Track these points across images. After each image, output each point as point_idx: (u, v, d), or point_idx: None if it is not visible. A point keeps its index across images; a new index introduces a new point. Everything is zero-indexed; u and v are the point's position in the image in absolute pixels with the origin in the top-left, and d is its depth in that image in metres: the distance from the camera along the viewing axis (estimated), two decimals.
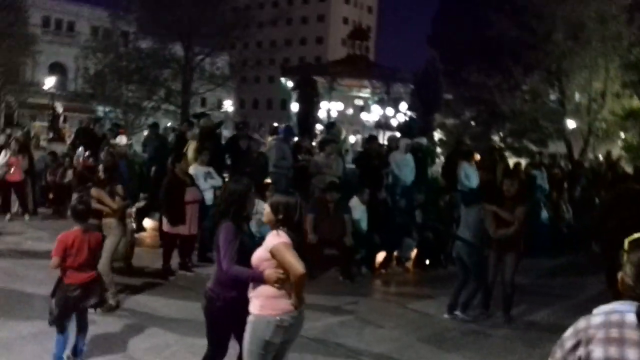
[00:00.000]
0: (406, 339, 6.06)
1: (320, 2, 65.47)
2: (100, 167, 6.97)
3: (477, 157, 12.25)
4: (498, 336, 6.27)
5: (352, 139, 32.26)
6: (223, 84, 24.00)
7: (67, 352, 4.84)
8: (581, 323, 2.01)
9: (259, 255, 3.65)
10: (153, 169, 10.56)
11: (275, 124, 14.04)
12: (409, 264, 9.36)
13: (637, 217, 5.71)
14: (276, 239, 3.62)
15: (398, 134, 14.54)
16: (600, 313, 1.99)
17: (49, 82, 30.92)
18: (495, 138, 23.78)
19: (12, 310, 5.95)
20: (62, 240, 4.73)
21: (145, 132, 14.83)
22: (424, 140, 11.59)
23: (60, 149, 14.94)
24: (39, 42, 30.48)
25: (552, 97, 20.35)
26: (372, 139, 10.99)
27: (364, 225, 8.74)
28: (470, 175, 10.80)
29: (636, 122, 18.52)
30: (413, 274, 9.22)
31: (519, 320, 6.84)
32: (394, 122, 27.76)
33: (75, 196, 5.26)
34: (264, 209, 8.72)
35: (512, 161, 16.44)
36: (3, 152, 11.01)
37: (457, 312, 6.60)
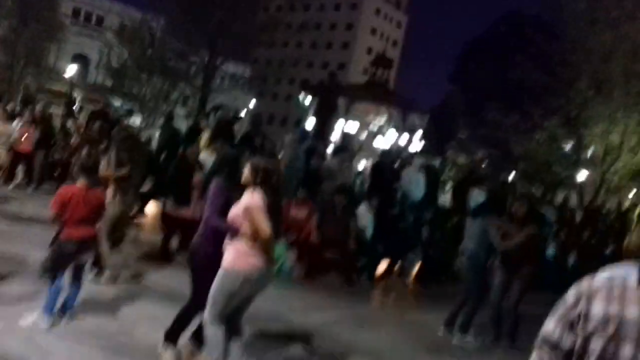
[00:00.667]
0: (402, 345, 5.89)
1: (347, 30, 66.19)
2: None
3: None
4: (495, 350, 6.05)
5: (362, 163, 32.22)
6: (241, 86, 23.99)
7: (58, 306, 4.71)
8: (584, 282, 1.94)
9: (235, 212, 3.89)
10: (163, 156, 10.49)
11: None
12: (410, 279, 9.19)
13: None
14: (251, 198, 3.82)
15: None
16: (603, 273, 1.91)
17: (71, 70, 31.16)
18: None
19: (10, 271, 5.81)
20: (61, 194, 4.66)
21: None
22: (436, 162, 11.49)
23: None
24: (65, 31, 30.86)
25: (567, 145, 20.26)
26: (387, 153, 10.92)
27: (369, 233, 8.61)
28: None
29: None
30: (413, 288, 9.05)
31: (523, 344, 6.63)
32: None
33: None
34: None
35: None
36: (16, 121, 10.99)
37: (455, 337, 6.19)
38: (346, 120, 27.05)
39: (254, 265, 3.84)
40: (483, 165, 30.00)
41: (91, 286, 5.72)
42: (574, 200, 19.38)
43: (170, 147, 10.31)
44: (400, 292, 8.72)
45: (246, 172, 3.93)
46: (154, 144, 13.74)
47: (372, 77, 30.24)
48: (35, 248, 5.81)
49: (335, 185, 8.74)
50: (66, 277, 4.74)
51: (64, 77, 31.46)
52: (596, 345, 1.82)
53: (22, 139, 10.70)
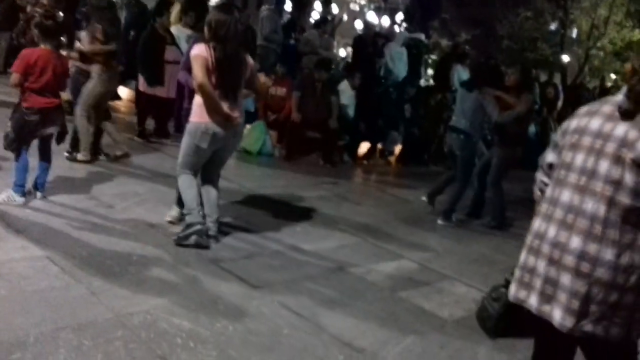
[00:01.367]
0: (384, 216, 5.90)
1: None
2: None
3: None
4: (474, 227, 6.10)
5: (342, 52, 31.29)
6: None
7: (29, 186, 4.54)
8: (584, 106, 2.12)
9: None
10: (131, 33, 9.86)
11: None
12: (392, 158, 9.14)
13: None
14: (196, 49, 3.93)
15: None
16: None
17: None
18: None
19: None
20: (25, 56, 4.30)
21: None
22: (422, 37, 11.07)
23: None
24: None
25: (553, 25, 19.71)
26: (369, 26, 10.43)
27: (351, 111, 8.40)
28: (463, 79, 10.44)
29: (634, 54, 18.10)
30: (395, 167, 9.03)
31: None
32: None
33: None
34: None
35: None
36: None
37: (439, 221, 5.91)
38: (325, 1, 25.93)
39: (209, 118, 3.98)
40: (466, 47, 29.46)
41: (65, 163, 5.58)
42: (557, 80, 19.21)
43: (138, 25, 9.67)
44: (382, 171, 8.68)
45: (205, 29, 4.04)
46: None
47: None
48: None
49: (316, 60, 8.35)
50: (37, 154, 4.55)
51: None
52: (563, 155, 2.03)
53: None
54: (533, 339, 2.25)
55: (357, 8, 34.00)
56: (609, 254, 1.85)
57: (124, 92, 9.73)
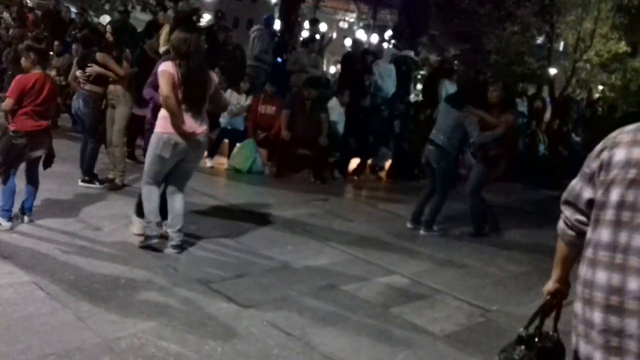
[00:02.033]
0: (375, 232, 5.88)
1: None
2: (109, 28, 6.49)
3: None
4: (465, 241, 6.12)
5: (332, 69, 31.48)
6: None
7: (16, 210, 4.51)
8: (610, 135, 1.83)
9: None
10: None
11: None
12: (382, 173, 9.15)
13: None
14: (162, 66, 4.15)
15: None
16: (631, 125, 1.80)
17: None
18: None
19: None
20: (21, 81, 4.30)
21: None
22: (411, 54, 11.15)
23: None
24: None
25: (540, 38, 19.93)
26: (358, 43, 10.50)
27: (340, 128, 8.43)
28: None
29: (621, 66, 18.32)
30: (385, 182, 9.03)
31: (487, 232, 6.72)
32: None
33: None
34: (237, 101, 8.44)
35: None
36: None
37: (422, 232, 6.03)
38: (314, 18, 26.16)
39: (170, 129, 4.15)
40: (455, 62, 29.85)
41: (53, 186, 5.54)
42: (545, 93, 19.39)
43: (128, 46, 9.72)
44: (372, 187, 8.68)
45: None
46: None
47: None
48: None
49: (305, 78, 8.39)
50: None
51: None
52: (613, 193, 1.74)
53: None
54: None
55: (346, 26, 34.38)
56: None
57: None
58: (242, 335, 3.24)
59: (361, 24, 28.87)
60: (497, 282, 4.91)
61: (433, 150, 5.98)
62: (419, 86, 16.87)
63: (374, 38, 27.79)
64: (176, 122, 4.13)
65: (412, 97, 12.33)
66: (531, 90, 16.62)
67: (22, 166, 4.54)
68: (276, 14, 25.83)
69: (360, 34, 28.52)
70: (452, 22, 26.72)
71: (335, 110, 8.28)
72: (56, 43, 10.81)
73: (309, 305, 3.79)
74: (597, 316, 1.73)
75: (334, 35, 35.66)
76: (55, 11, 12.14)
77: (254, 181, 7.52)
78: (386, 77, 9.93)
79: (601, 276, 1.73)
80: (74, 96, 6.17)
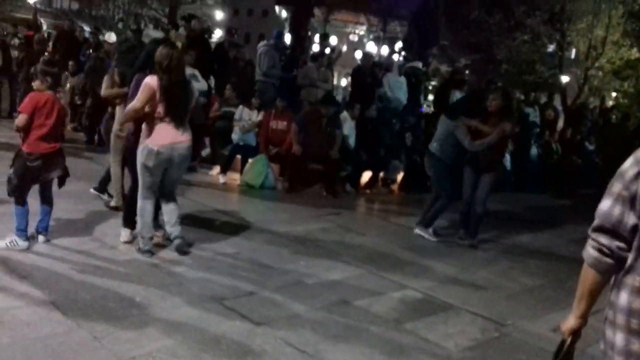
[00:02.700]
0: (387, 246, 5.88)
1: None
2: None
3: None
4: (481, 250, 6.13)
5: (343, 82, 31.65)
6: (214, 2, 22.75)
7: (32, 230, 4.58)
8: None
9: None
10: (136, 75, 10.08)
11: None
12: (395, 186, 9.14)
13: None
14: (147, 79, 4.39)
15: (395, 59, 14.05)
16: None
17: None
18: None
19: None
20: (34, 98, 4.36)
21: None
22: (419, 65, 11.18)
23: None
24: None
25: (551, 46, 19.91)
26: (368, 56, 10.55)
27: (352, 141, 8.46)
28: None
29: (634, 73, 18.20)
30: (397, 195, 9.02)
31: (503, 241, 6.70)
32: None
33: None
34: (248, 117, 8.55)
35: None
36: None
37: (416, 229, 6.28)
38: (324, 32, 26.33)
39: (154, 140, 4.43)
40: (466, 72, 29.93)
41: (68, 205, 5.61)
42: (557, 102, 19.31)
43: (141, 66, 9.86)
44: (384, 200, 8.68)
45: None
46: None
47: None
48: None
49: (318, 96, 8.46)
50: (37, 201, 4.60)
51: (28, 3, 29.89)
52: None
53: None
54: None
55: (356, 39, 34.56)
56: None
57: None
58: (256, 353, 3.26)
59: (371, 36, 29.02)
60: (511, 295, 4.89)
61: (427, 157, 6.45)
62: (430, 97, 16.89)
63: (384, 50, 27.97)
64: (125, 121, 4.80)
65: (425, 108, 12.34)
66: (543, 99, 16.60)
67: (36, 187, 4.61)
68: (286, 29, 26.10)
69: (371, 46, 28.69)
70: (462, 32, 26.78)
71: (347, 124, 8.31)
72: (71, 63, 11.01)
73: (321, 322, 3.80)
74: (636, 346, 1.68)
75: (345, 48, 35.91)
76: (69, 31, 12.36)
77: (266, 197, 7.56)
78: (396, 90, 9.96)
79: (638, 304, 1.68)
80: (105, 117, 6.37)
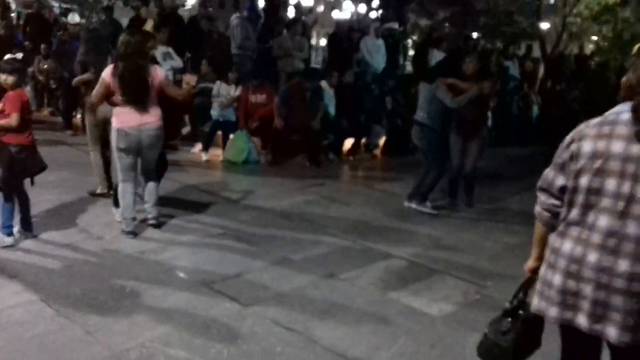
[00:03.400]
0: (372, 214, 5.98)
1: None
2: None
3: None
4: (463, 215, 6.23)
5: (322, 41, 31.24)
6: None
7: (17, 227, 4.61)
8: (579, 126, 2.09)
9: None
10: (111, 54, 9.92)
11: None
12: (377, 151, 9.21)
13: None
14: (103, 73, 4.73)
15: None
16: (598, 118, 2.06)
17: None
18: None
19: None
20: (20, 96, 4.39)
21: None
22: (395, 25, 11.11)
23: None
24: None
25: None
26: (341, 23, 10.45)
27: (332, 110, 8.47)
28: None
29: (612, 17, 18.15)
30: (381, 160, 9.11)
31: (485, 200, 6.80)
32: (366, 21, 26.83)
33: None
34: (226, 92, 8.52)
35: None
36: None
37: (412, 204, 6.14)
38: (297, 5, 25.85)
39: (122, 121, 4.72)
40: (446, 25, 29.60)
41: (54, 196, 5.63)
42: (537, 51, 19.26)
43: (114, 44, 9.70)
44: (368, 166, 8.76)
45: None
46: None
47: None
48: None
49: (295, 64, 8.41)
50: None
51: None
52: (584, 180, 2.02)
53: None
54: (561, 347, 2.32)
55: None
56: None
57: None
58: (246, 335, 3.37)
59: None
60: (492, 256, 5.03)
61: (415, 128, 6.16)
62: (411, 52, 16.77)
63: (362, 8, 27.51)
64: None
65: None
66: (523, 50, 16.55)
67: None
68: None
69: (348, 5, 28.22)
70: None
71: (326, 93, 8.31)
72: (43, 46, 10.80)
73: (309, 298, 3.91)
74: (557, 278, 2.09)
75: (322, 8, 35.32)
76: (38, 13, 12.05)
77: (249, 172, 7.61)
78: (375, 53, 9.94)
79: (567, 247, 2.07)
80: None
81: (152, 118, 4.79)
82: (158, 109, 4.86)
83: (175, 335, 3.32)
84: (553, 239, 2.15)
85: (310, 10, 13.92)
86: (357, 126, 8.79)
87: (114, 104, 4.79)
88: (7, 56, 5.40)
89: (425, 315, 3.80)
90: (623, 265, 1.95)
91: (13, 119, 4.30)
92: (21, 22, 12.64)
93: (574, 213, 2.07)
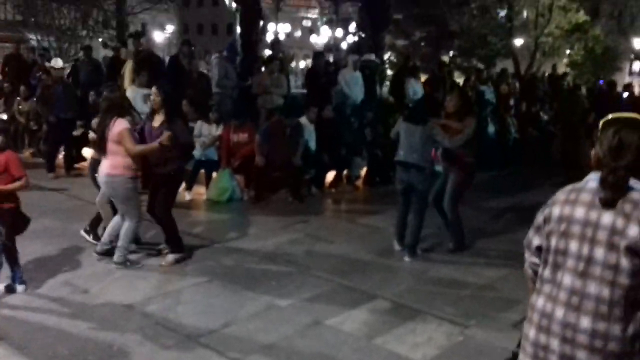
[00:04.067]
0: (356, 252, 6.06)
1: None
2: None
3: (425, 76, 12.19)
4: (445, 245, 6.30)
5: (302, 63, 31.63)
6: (159, 2, 22.32)
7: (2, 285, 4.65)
8: (555, 194, 2.27)
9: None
10: (91, 94, 9.96)
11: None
12: (359, 182, 9.33)
13: None
14: (121, 125, 5.20)
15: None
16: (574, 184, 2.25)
17: None
18: (445, 58, 23.69)
19: None
20: (18, 156, 4.58)
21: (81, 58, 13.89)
22: (372, 57, 11.33)
23: None
24: None
25: (501, 13, 20.23)
26: (319, 56, 10.63)
27: (312, 144, 8.58)
28: (417, 92, 10.75)
29: (582, 36, 18.67)
30: (363, 191, 9.22)
31: (465, 231, 6.84)
32: (343, 45, 27.26)
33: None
34: (208, 132, 8.61)
35: (462, 80, 16.44)
36: None
37: (406, 258, 5.85)
38: (277, 21, 26.20)
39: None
40: (422, 44, 29.82)
41: (37, 247, 5.63)
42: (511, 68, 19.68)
43: (93, 84, 9.75)
44: (350, 198, 8.86)
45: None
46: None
47: None
48: None
49: (274, 101, 8.55)
50: None
51: None
52: (553, 242, 2.20)
53: None
54: None
55: (309, 23, 34.44)
56: (617, 330, 2.07)
57: (88, 152, 9.80)
58: None
59: (324, 19, 28.91)
60: (474, 292, 5.13)
61: (413, 172, 5.79)
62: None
63: (339, 32, 27.96)
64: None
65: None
66: (499, 68, 16.84)
67: None
68: (237, 19, 25.74)
69: (325, 30, 28.70)
70: (415, 5, 26.94)
71: (306, 128, 8.42)
72: (22, 88, 10.84)
73: (296, 349, 3.97)
74: (531, 332, 2.23)
75: (299, 32, 35.76)
76: (17, 54, 12.12)
77: (233, 210, 7.67)
78: (353, 85, 10.11)
79: (540, 302, 2.22)
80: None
81: (105, 171, 5.30)
82: (117, 160, 5.21)
83: None
84: (532, 296, 2.30)
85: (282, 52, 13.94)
86: (338, 159, 8.92)
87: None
88: None
89: None
90: (585, 321, 2.09)
91: (24, 182, 4.57)
92: None
93: (547, 271, 2.23)
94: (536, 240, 2.30)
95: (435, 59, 23.51)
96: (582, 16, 19.04)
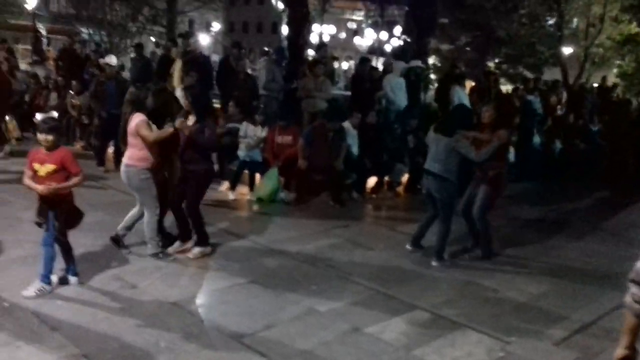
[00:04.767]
0: (395, 260, 6.10)
1: None
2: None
3: (471, 83, 12.12)
4: (485, 261, 6.29)
5: (344, 65, 31.73)
6: (209, 2, 22.78)
7: (56, 276, 4.86)
8: None
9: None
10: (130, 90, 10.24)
11: (266, 48, 13.76)
12: (400, 189, 9.34)
13: None
14: (138, 118, 5.47)
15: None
16: None
17: (31, 2, 29.60)
18: (491, 64, 23.40)
19: (2, 235, 5.92)
20: (72, 153, 4.82)
21: (131, 55, 14.30)
22: (418, 64, 11.30)
23: (42, 72, 14.57)
24: None
25: (550, 21, 19.87)
26: (365, 61, 10.68)
27: (355, 149, 8.64)
28: (462, 99, 10.65)
29: (634, 48, 18.17)
30: (404, 198, 9.22)
31: (508, 244, 6.82)
32: (387, 47, 27.22)
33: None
34: (253, 133, 8.78)
35: (507, 88, 16.26)
36: None
37: (433, 262, 5.98)
38: (322, 22, 26.32)
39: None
40: (467, 49, 29.54)
41: (88, 241, 5.84)
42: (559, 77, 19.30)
43: (143, 82, 10.04)
44: (391, 205, 8.88)
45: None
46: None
47: None
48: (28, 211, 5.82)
49: (317, 104, 8.63)
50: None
51: (26, 10, 29.91)
52: None
53: None
54: None
55: (354, 25, 34.49)
56: None
57: None
58: None
59: (369, 22, 28.91)
60: (516, 307, 5.09)
61: (432, 180, 6.00)
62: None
63: (383, 35, 27.91)
64: None
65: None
66: (547, 76, 16.54)
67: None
68: (284, 20, 25.95)
69: (369, 32, 28.68)
70: (461, 10, 26.67)
71: (349, 133, 8.49)
72: (74, 83, 11.22)
73: (335, 355, 4.04)
74: None
75: (344, 34, 35.81)
76: (70, 49, 12.53)
77: (275, 212, 7.78)
78: (397, 91, 10.11)
79: None
80: None
81: (125, 161, 5.63)
82: (133, 152, 5.53)
83: None
84: None
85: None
86: (380, 165, 8.95)
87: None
88: (42, 115, 5.80)
89: None
90: None
91: (81, 176, 4.77)
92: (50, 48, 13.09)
93: None
94: None
95: (481, 65, 23.33)
96: (634, 27, 18.54)
